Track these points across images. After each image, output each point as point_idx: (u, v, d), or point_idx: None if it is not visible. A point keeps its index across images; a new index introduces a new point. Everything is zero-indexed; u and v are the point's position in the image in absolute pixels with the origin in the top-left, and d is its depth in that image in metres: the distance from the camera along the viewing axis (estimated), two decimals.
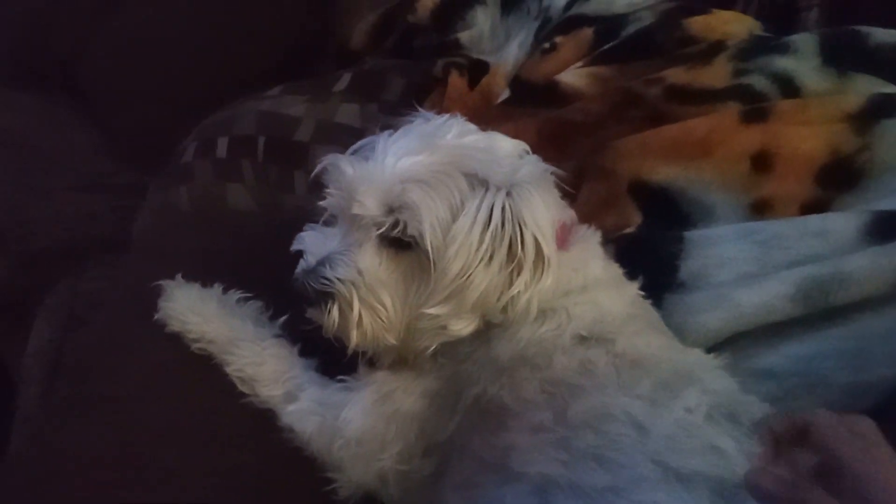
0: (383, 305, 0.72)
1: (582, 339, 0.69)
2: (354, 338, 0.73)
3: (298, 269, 0.75)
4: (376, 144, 0.75)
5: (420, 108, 0.83)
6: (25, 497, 0.78)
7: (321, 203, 0.77)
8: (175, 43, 1.53)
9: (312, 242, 0.76)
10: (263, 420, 0.80)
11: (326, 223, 0.78)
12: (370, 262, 0.72)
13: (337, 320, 0.72)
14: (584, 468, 0.58)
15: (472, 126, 0.78)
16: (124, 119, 1.55)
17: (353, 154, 0.76)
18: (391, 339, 0.73)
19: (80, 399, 0.87)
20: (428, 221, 0.68)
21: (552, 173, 0.77)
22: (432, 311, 0.70)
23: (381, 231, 0.71)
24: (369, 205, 0.71)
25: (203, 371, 0.84)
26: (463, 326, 0.72)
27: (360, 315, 0.72)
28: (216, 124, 1.34)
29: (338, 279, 0.72)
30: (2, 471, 0.84)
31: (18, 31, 1.67)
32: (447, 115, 0.79)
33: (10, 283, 1.35)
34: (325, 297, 0.72)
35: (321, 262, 0.73)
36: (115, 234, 1.35)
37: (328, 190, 0.75)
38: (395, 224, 0.70)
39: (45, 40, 1.64)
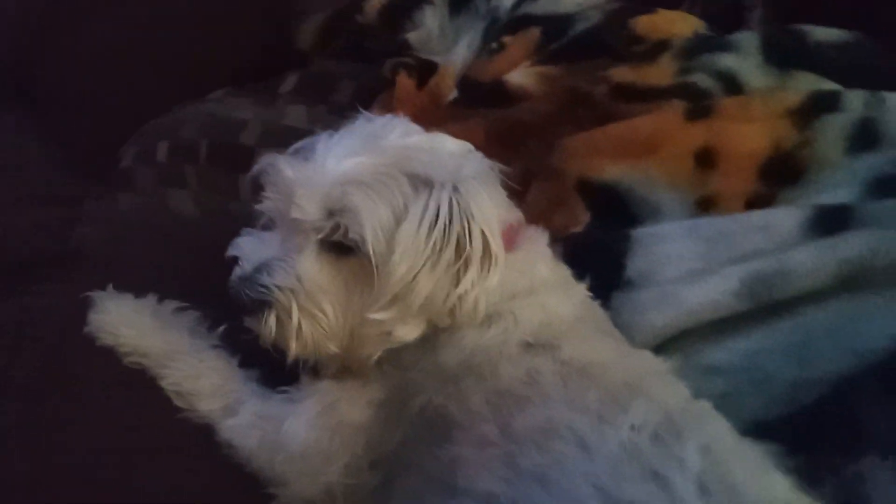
0: (324, 313, 0.69)
1: (528, 346, 0.67)
2: (294, 347, 0.70)
3: (234, 276, 0.72)
4: (317, 145, 0.72)
5: (366, 111, 0.80)
6: None
7: (258, 206, 0.74)
8: (133, 52, 1.48)
9: (249, 248, 0.73)
10: (207, 434, 0.77)
11: (265, 228, 0.75)
12: (310, 267, 0.69)
13: (275, 329, 0.70)
14: (526, 488, 0.56)
15: (415, 126, 0.76)
16: (77, 128, 1.49)
17: (293, 155, 0.73)
18: (333, 348, 0.71)
19: (20, 423, 0.83)
20: (370, 225, 0.66)
21: (499, 171, 0.75)
22: (377, 316, 0.68)
23: (321, 236, 0.68)
24: (308, 208, 0.68)
25: (150, 386, 0.80)
26: (408, 331, 0.70)
27: (299, 323, 0.69)
28: (157, 129, 1.30)
29: (276, 286, 0.69)
30: None
31: None
32: (390, 116, 0.77)
33: None
34: (262, 305, 0.69)
35: (258, 269, 0.70)
36: (67, 247, 1.30)
37: (266, 193, 0.73)
38: (336, 228, 0.68)
39: None
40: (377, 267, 0.67)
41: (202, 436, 0.77)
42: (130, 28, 1.49)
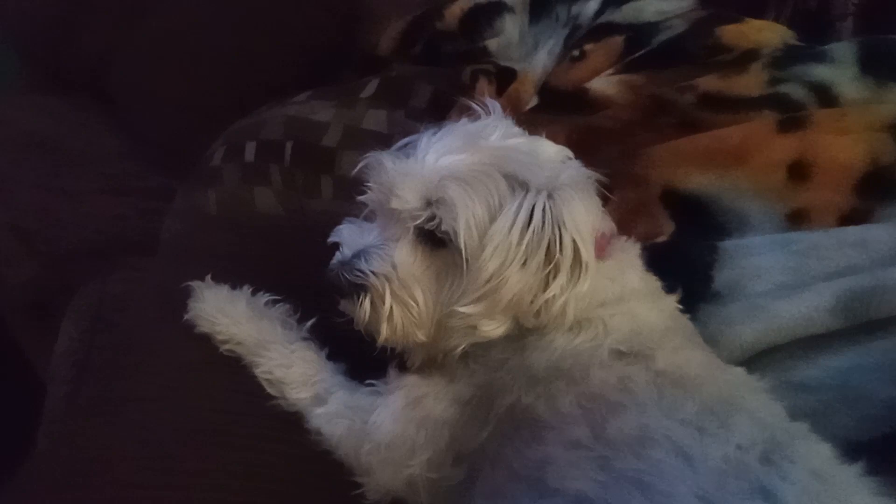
0: (415, 301, 0.72)
1: (620, 354, 0.68)
2: (384, 332, 0.72)
3: (334, 261, 0.75)
4: (419, 142, 0.74)
5: (444, 117, 0.82)
6: (52, 495, 0.78)
7: (360, 198, 0.77)
8: (202, 50, 1.54)
9: (349, 235, 0.76)
10: (288, 423, 0.80)
11: (366, 218, 0.78)
12: (405, 257, 0.72)
13: (368, 313, 0.72)
14: (623, 491, 0.56)
15: (517, 129, 0.78)
16: (151, 124, 1.56)
17: (397, 151, 0.76)
18: (421, 336, 0.73)
19: (105, 399, 0.87)
20: (464, 219, 0.68)
21: (595, 180, 0.76)
22: (464, 309, 0.69)
23: (416, 223, 0.71)
24: (407, 199, 0.71)
25: (227, 373, 0.84)
26: (494, 328, 0.71)
27: (391, 309, 0.72)
28: (244, 129, 1.35)
29: (372, 272, 0.72)
30: (30, 468, 0.84)
31: (49, 37, 1.70)
32: (494, 116, 0.78)
33: (39, 284, 1.36)
34: (357, 289, 0.72)
35: (356, 255, 0.73)
36: (141, 236, 1.36)
37: (368, 184, 0.75)
38: (431, 218, 0.70)
39: (74, 46, 1.66)
40: (467, 261, 0.69)
41: (283, 422, 0.80)
42: (199, 24, 1.54)
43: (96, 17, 1.65)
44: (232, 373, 0.83)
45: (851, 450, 0.62)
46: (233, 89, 1.49)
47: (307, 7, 1.59)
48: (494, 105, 0.81)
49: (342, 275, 0.73)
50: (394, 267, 0.72)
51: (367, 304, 0.72)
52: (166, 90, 1.53)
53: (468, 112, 0.81)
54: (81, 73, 1.68)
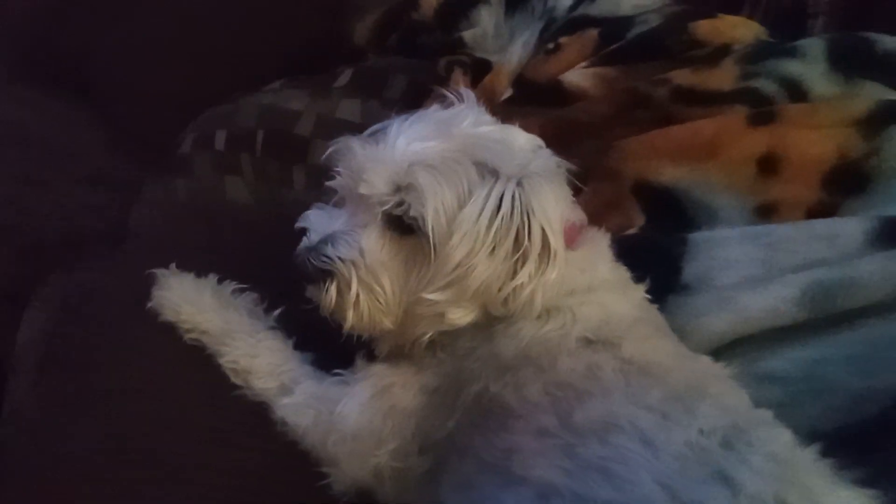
0: (382, 287, 0.71)
1: (588, 342, 0.68)
2: (351, 318, 0.72)
3: (301, 246, 0.74)
4: (390, 128, 0.74)
5: (419, 107, 0.81)
6: (21, 489, 0.76)
7: (329, 183, 0.76)
8: (183, 43, 1.52)
9: (317, 220, 0.75)
10: (259, 413, 0.79)
11: (336, 205, 0.78)
12: (373, 243, 0.71)
13: (334, 299, 0.72)
14: (588, 479, 0.56)
15: (488, 117, 0.77)
16: (131, 116, 1.54)
17: (367, 137, 0.75)
18: (388, 323, 0.73)
19: (73, 392, 0.85)
20: (432, 205, 0.68)
21: (566, 169, 0.76)
22: (431, 296, 0.69)
23: (384, 209, 0.70)
24: (376, 184, 0.70)
25: (199, 364, 0.82)
26: (461, 315, 0.71)
27: (357, 295, 0.71)
28: (215, 117, 1.33)
29: (339, 258, 0.71)
30: None
31: (25, 28, 1.67)
32: (465, 104, 0.78)
33: (9, 274, 1.33)
34: (324, 274, 0.72)
35: (324, 240, 0.73)
36: (114, 227, 1.33)
37: (337, 170, 0.75)
38: (400, 204, 0.70)
39: (51, 37, 1.63)
40: (435, 248, 0.68)
41: (251, 414, 0.79)
42: (182, 18, 1.53)
43: (78, 9, 1.62)
44: (202, 364, 0.82)
45: (817, 440, 0.62)
46: (214, 82, 1.47)
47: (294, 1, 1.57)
48: (468, 94, 0.80)
49: (309, 260, 0.72)
50: (361, 253, 0.71)
51: (333, 290, 0.71)
52: (146, 83, 1.51)
53: (441, 100, 0.81)
54: (61, 66, 1.66)
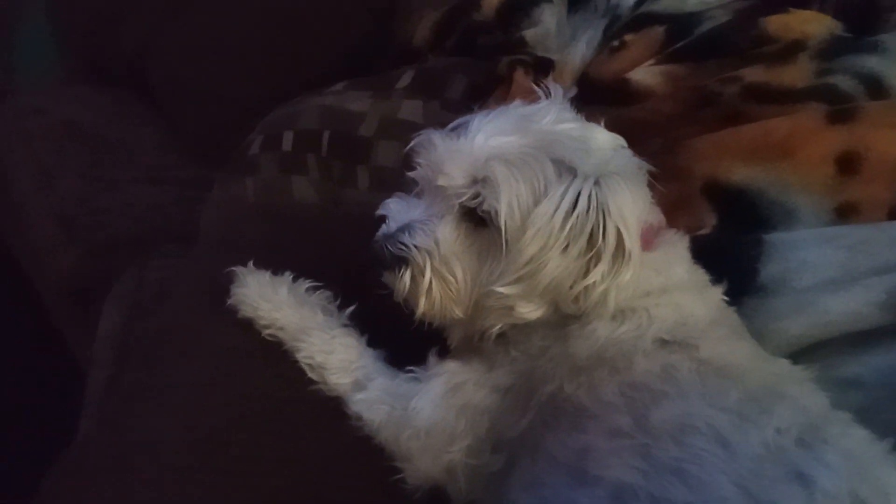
0: (454, 277, 0.73)
1: (664, 343, 0.67)
2: (423, 305, 0.74)
3: (379, 233, 0.77)
4: (471, 123, 0.75)
5: (480, 107, 0.83)
6: (97, 478, 0.79)
7: (410, 174, 0.78)
8: (239, 41, 1.56)
9: (396, 209, 0.78)
10: (330, 408, 0.81)
11: (415, 195, 0.80)
12: (448, 233, 0.73)
13: (408, 286, 0.74)
14: (663, 480, 0.56)
15: (570, 114, 0.78)
16: (189, 114, 1.58)
17: (449, 132, 0.77)
18: (458, 312, 0.74)
19: (148, 385, 0.89)
20: (506, 200, 0.69)
21: (646, 172, 0.76)
22: (501, 290, 0.70)
23: (460, 200, 0.72)
24: (454, 176, 0.72)
25: (269, 359, 0.85)
26: (530, 310, 0.72)
27: (430, 283, 0.73)
28: (281, 118, 1.35)
29: (414, 246, 0.73)
30: (73, 453, 0.85)
31: (88, 29, 1.73)
32: (549, 100, 0.79)
33: (80, 272, 1.39)
34: (399, 261, 0.74)
35: (401, 229, 0.75)
36: (180, 225, 1.38)
37: (418, 162, 0.77)
38: (475, 196, 0.71)
39: (114, 38, 1.69)
40: (506, 241, 0.69)
41: (324, 408, 0.81)
42: (238, 18, 1.56)
43: (136, 9, 1.68)
44: (273, 359, 0.85)
45: None
46: (269, 81, 1.51)
47: (350, 3, 1.60)
48: (556, 88, 0.81)
49: (386, 247, 0.75)
50: (436, 243, 0.73)
51: (407, 276, 0.74)
52: (204, 81, 1.55)
53: (528, 95, 0.81)
54: (120, 65, 1.71)
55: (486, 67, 1.35)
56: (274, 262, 0.92)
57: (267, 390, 0.84)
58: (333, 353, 0.81)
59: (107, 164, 1.55)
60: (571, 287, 0.70)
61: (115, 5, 1.70)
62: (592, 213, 0.68)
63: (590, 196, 0.68)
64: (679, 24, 1.19)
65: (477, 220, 0.72)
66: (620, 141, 0.78)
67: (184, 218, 1.40)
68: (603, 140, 0.76)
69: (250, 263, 0.89)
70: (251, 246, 1.09)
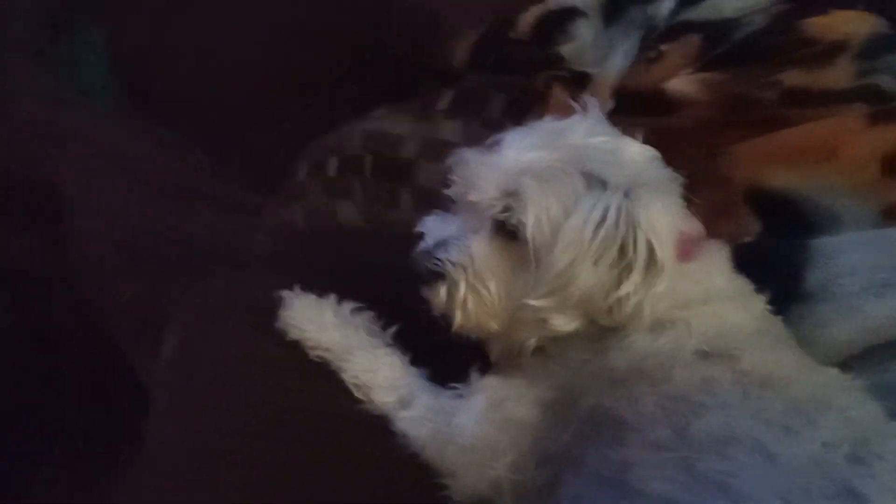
0: (488, 291, 0.74)
1: (704, 355, 0.67)
2: (459, 318, 0.75)
3: (417, 249, 0.79)
4: (504, 139, 0.77)
5: (518, 124, 0.84)
6: (160, 494, 0.84)
7: (446, 191, 0.80)
8: (286, 68, 1.60)
9: (433, 226, 0.80)
10: (376, 426, 0.82)
11: (453, 212, 0.82)
12: (482, 248, 0.75)
13: (444, 300, 0.76)
14: (706, 494, 0.55)
15: (604, 127, 0.79)
16: (235, 140, 1.63)
17: (489, 148, 0.78)
18: (494, 325, 0.75)
19: (204, 406, 0.92)
20: (534, 213, 0.70)
21: (679, 183, 0.77)
22: (534, 303, 0.71)
23: (491, 213, 0.73)
24: (485, 190, 0.74)
25: (318, 379, 0.87)
26: (564, 322, 0.72)
27: (465, 297, 0.74)
28: (326, 144, 1.40)
29: (450, 261, 0.75)
30: (140, 470, 0.90)
31: (136, 61, 1.80)
32: (581, 114, 0.80)
33: (145, 298, 1.45)
34: (436, 276, 0.76)
35: (438, 245, 0.77)
36: (233, 250, 1.43)
37: (453, 178, 0.79)
38: (506, 209, 0.72)
39: (157, 68, 1.76)
40: (535, 254, 0.70)
41: (372, 426, 0.82)
42: (286, 45, 1.60)
43: (172, 38, 1.74)
44: (324, 379, 0.86)
45: None
46: (314, 109, 1.55)
47: (383, 27, 1.63)
48: (592, 102, 0.82)
49: (423, 263, 0.77)
50: (470, 257, 0.75)
51: (443, 291, 0.76)
52: (251, 109, 1.60)
53: (566, 110, 0.82)
54: (164, 92, 1.78)
55: (524, 85, 1.37)
56: (321, 285, 0.95)
57: (316, 409, 0.86)
58: (378, 371, 0.83)
59: (161, 194, 1.61)
60: (605, 299, 0.70)
61: (158, 39, 1.77)
62: (622, 225, 0.68)
63: (619, 208, 0.69)
64: (716, 31, 1.18)
65: (510, 234, 0.73)
66: (653, 153, 0.78)
67: (236, 243, 1.44)
68: (635, 152, 0.77)
69: (297, 287, 0.92)
70: (299, 269, 1.13)
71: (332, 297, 0.91)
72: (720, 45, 1.15)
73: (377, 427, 0.82)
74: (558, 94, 1.29)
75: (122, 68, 1.86)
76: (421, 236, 0.81)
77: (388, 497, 0.78)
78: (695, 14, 1.26)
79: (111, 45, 1.85)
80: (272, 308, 0.92)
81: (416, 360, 0.86)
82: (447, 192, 0.81)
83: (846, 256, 0.81)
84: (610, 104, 1.22)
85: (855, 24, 1.08)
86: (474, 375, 0.79)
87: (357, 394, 0.83)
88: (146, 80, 1.80)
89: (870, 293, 0.77)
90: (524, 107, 1.32)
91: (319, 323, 0.87)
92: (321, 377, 0.88)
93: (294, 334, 0.88)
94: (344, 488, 0.80)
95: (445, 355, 0.82)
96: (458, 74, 1.55)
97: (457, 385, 0.80)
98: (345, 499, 0.78)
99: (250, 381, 0.92)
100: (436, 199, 0.86)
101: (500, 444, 0.73)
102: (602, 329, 0.72)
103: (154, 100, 1.80)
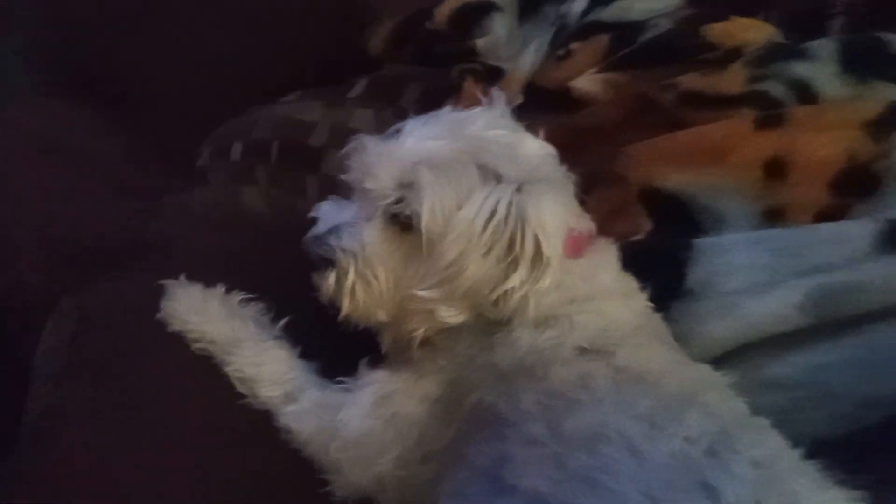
0: (377, 279, 0.73)
1: (583, 351, 0.68)
2: (346, 306, 0.74)
3: (308, 234, 0.77)
4: (404, 127, 0.76)
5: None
6: (23, 495, 0.78)
7: (342, 177, 0.79)
8: (208, 51, 1.54)
9: (327, 211, 0.79)
10: (266, 421, 0.80)
11: (350, 198, 0.80)
12: (374, 236, 0.74)
13: (333, 287, 0.75)
14: (575, 490, 0.56)
15: (505, 120, 0.79)
16: (161, 124, 1.56)
17: (388, 136, 0.77)
18: (382, 315, 0.75)
19: (89, 405, 0.87)
20: (428, 204, 0.69)
21: (573, 181, 0.78)
22: (422, 293, 0.71)
23: (385, 203, 0.72)
24: (381, 178, 0.73)
25: (211, 372, 0.84)
26: (452, 314, 0.72)
27: (353, 285, 0.73)
28: (232, 129, 1.36)
29: (340, 248, 0.74)
30: (6, 469, 0.84)
31: (55, 38, 1.70)
32: (488, 106, 0.80)
33: (42, 283, 1.37)
34: (325, 262, 0.75)
35: (330, 230, 0.76)
36: (138, 237, 1.37)
37: (350, 164, 0.77)
38: (399, 200, 0.72)
39: (74, 48, 1.67)
40: (428, 245, 0.70)
41: (257, 421, 0.80)
42: (203, 31, 1.54)
43: (103, 19, 1.66)
44: (216, 374, 0.83)
45: (820, 447, 0.62)
46: (234, 92, 1.49)
47: (312, 13, 1.59)
48: (499, 96, 0.82)
49: (313, 248, 0.75)
50: (361, 245, 0.74)
51: (332, 278, 0.74)
52: (172, 92, 1.54)
53: (477, 103, 0.82)
54: (85, 76, 1.69)
55: (439, 76, 1.36)
56: (219, 273, 0.92)
57: (205, 404, 0.83)
58: (264, 365, 0.80)
59: (71, 177, 1.52)
60: (491, 292, 0.70)
61: (82, 15, 1.68)
62: (511, 220, 0.69)
63: (510, 202, 0.69)
64: (624, 32, 1.21)
65: (404, 223, 0.73)
66: (550, 149, 0.79)
67: (142, 230, 1.38)
68: (532, 148, 0.77)
69: (182, 276, 0.88)
70: (197, 257, 1.09)
71: (220, 287, 0.88)
72: (626, 46, 1.18)
73: (261, 424, 0.80)
74: (470, 87, 1.29)
75: (38, 49, 1.75)
76: (314, 221, 0.79)
77: (270, 493, 0.76)
78: (605, 14, 1.28)
79: (26, 28, 1.75)
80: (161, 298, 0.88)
81: (307, 353, 0.84)
82: (342, 177, 0.79)
83: (727, 256, 0.84)
84: (519, 99, 1.23)
85: (752, 32, 1.13)
86: (364, 369, 0.78)
87: (241, 388, 0.81)
88: (66, 62, 1.70)
89: (746, 292, 0.80)
90: (438, 98, 1.31)
91: (204, 314, 0.84)
92: (211, 371, 0.85)
93: (176, 326, 0.85)
94: (224, 484, 0.77)
95: (337, 348, 0.80)
96: (375, 63, 1.54)
97: (346, 379, 0.78)
98: (225, 494, 0.76)
99: (140, 376, 0.88)
100: (344, 189, 0.84)
101: (385, 439, 0.73)
102: (490, 323, 0.72)
103: (75, 83, 1.71)
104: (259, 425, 0.80)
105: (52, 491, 0.77)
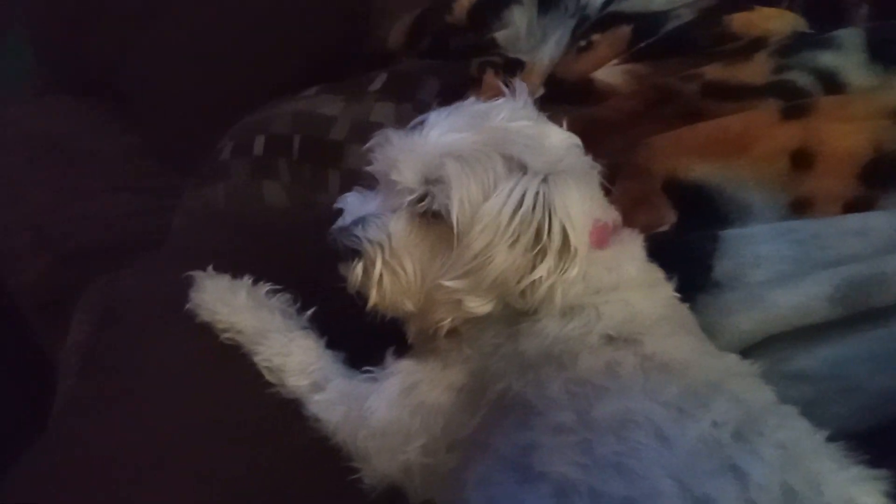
0: (404, 270, 0.74)
1: (610, 340, 0.68)
2: (374, 296, 0.75)
3: (334, 226, 0.78)
4: (427, 119, 0.76)
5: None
6: (42, 488, 0.80)
7: (366, 168, 0.79)
8: (211, 48, 1.56)
9: (352, 203, 0.79)
10: (288, 411, 0.81)
11: (375, 190, 0.81)
12: (401, 227, 0.74)
13: (360, 277, 0.75)
14: (603, 475, 0.56)
15: (527, 111, 0.79)
16: (163, 122, 1.58)
17: (412, 129, 0.78)
18: (409, 305, 0.75)
19: (105, 396, 0.89)
20: (457, 197, 0.70)
21: (598, 172, 0.77)
22: (449, 283, 0.71)
23: (411, 197, 0.73)
24: (406, 173, 0.73)
25: (230, 364, 0.85)
26: (478, 305, 0.72)
27: (381, 276, 0.74)
28: (253, 124, 1.36)
29: (367, 239, 0.74)
30: (25, 461, 0.85)
31: (59, 37, 1.72)
32: (511, 97, 0.80)
33: (51, 280, 1.40)
34: (352, 253, 0.75)
35: (356, 222, 0.76)
36: (153, 233, 1.38)
37: (375, 156, 0.78)
38: (426, 195, 0.72)
39: (84, 46, 1.68)
40: (458, 237, 0.70)
41: (283, 411, 0.81)
42: (204, 30, 1.55)
43: (107, 17, 1.67)
44: (234, 364, 0.85)
45: (845, 439, 0.61)
46: (242, 87, 1.51)
47: (316, 5, 1.60)
48: (521, 86, 0.82)
49: (340, 240, 0.75)
50: (388, 236, 0.74)
51: (359, 268, 0.75)
52: (177, 88, 1.55)
53: (497, 95, 0.82)
54: (91, 72, 1.71)
55: (458, 69, 1.36)
56: (242, 266, 0.93)
57: (225, 396, 0.84)
58: (291, 355, 0.81)
59: (81, 174, 1.55)
60: (518, 282, 0.70)
61: (86, 13, 1.70)
62: (539, 210, 0.69)
63: (537, 193, 0.69)
64: (645, 23, 1.20)
65: (429, 214, 0.73)
66: (574, 140, 0.78)
67: (157, 225, 1.40)
68: (556, 138, 0.77)
69: (210, 268, 0.89)
70: (220, 251, 1.10)
71: (247, 279, 0.89)
72: (648, 37, 1.17)
73: (289, 412, 0.80)
74: (490, 79, 1.29)
75: (44, 47, 1.77)
76: (340, 213, 0.80)
77: (300, 483, 0.77)
78: (626, 5, 1.27)
79: (33, 26, 1.77)
80: (185, 292, 0.89)
81: (332, 343, 0.84)
82: (367, 168, 0.80)
83: (754, 248, 0.83)
84: (540, 91, 1.23)
85: (776, 22, 1.12)
86: (390, 358, 0.78)
87: (269, 377, 0.82)
88: (71, 60, 1.72)
89: (774, 283, 0.80)
90: (457, 91, 1.31)
91: (232, 305, 0.85)
92: (234, 363, 0.85)
93: (204, 316, 0.86)
94: (249, 476, 0.78)
95: (363, 338, 0.80)
96: (393, 57, 1.54)
97: (372, 368, 0.79)
98: (251, 487, 0.77)
99: (162, 368, 0.89)
100: (367, 180, 0.85)
101: (412, 428, 0.73)
102: (516, 313, 0.73)
103: (81, 81, 1.73)
104: (283, 414, 0.81)
105: (63, 481, 0.79)
